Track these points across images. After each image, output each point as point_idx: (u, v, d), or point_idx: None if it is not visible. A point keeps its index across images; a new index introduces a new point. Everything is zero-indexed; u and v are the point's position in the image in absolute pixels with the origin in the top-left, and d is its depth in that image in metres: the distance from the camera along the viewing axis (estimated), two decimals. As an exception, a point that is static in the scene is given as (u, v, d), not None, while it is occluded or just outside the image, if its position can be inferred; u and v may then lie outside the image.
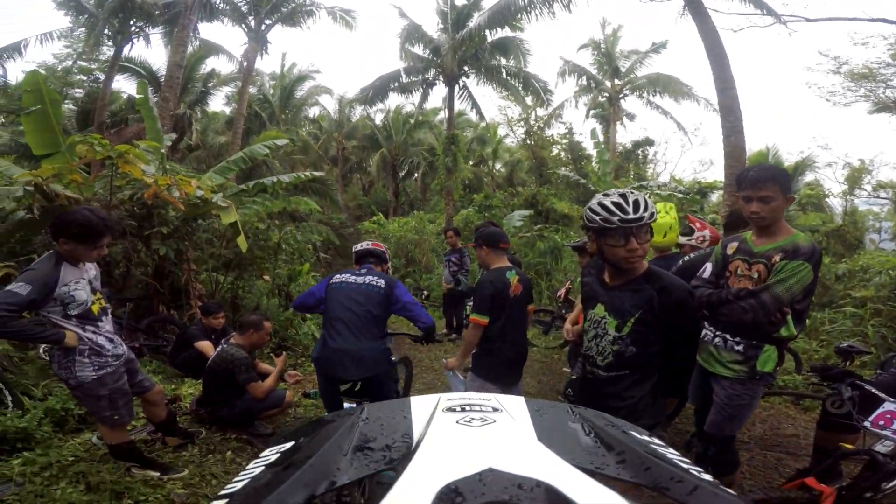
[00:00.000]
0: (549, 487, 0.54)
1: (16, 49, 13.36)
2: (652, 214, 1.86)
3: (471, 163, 21.80)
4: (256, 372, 3.76)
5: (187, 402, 4.14)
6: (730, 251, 2.51)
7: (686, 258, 3.16)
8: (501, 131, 23.14)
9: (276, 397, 3.78)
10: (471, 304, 6.31)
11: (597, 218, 1.89)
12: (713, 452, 2.68)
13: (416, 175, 25.30)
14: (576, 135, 20.12)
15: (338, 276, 3.26)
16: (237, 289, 6.69)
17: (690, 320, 2.03)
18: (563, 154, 20.44)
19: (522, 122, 20.42)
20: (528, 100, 16.64)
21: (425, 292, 4.47)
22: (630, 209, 1.84)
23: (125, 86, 18.06)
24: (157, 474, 2.90)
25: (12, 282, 2.40)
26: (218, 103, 21.96)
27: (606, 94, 21.20)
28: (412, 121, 22.48)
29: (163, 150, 5.80)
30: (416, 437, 0.77)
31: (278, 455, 0.81)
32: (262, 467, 0.76)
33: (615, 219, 1.84)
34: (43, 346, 3.84)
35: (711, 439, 2.63)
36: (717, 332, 2.52)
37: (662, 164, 24.47)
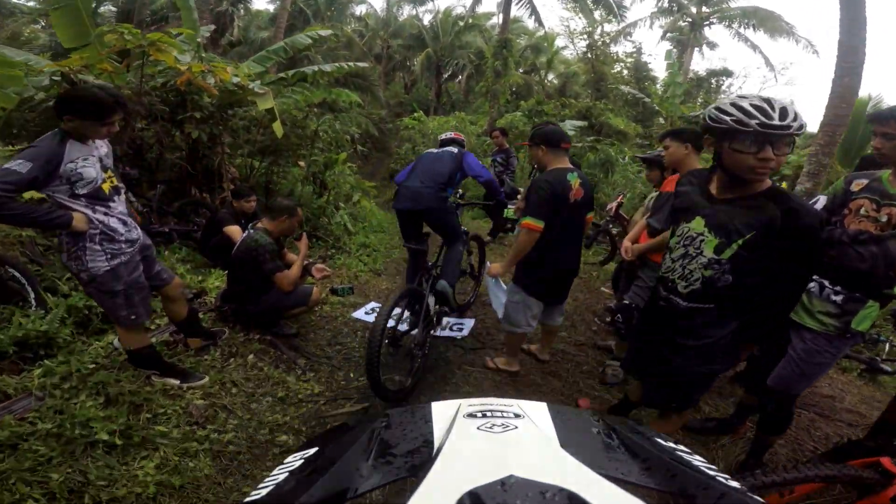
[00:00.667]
0: (573, 495, 0.52)
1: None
2: (801, 126, 1.49)
3: (521, 70, 20.47)
4: (284, 262, 3.55)
5: (213, 296, 3.95)
6: (855, 188, 2.10)
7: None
8: (559, 42, 21.46)
9: (303, 293, 3.58)
10: (511, 206, 6.07)
11: (727, 118, 1.54)
12: (771, 408, 2.43)
13: (460, 77, 24.73)
14: (644, 55, 18.61)
15: (427, 151, 3.85)
16: (272, 174, 6.53)
17: (813, 255, 1.67)
18: (625, 72, 18.97)
19: (586, 36, 18.81)
20: (597, 14, 15.50)
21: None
22: (776, 115, 1.49)
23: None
24: (178, 382, 2.75)
25: (11, 160, 2.13)
26: (262, 1, 21.22)
27: (689, 20, 19.69)
28: (461, 23, 21.77)
29: (199, 40, 5.58)
30: (436, 443, 0.77)
31: (302, 461, 0.81)
32: (286, 473, 0.77)
33: (753, 122, 1.49)
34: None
35: (772, 394, 2.33)
36: (815, 277, 2.16)
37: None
